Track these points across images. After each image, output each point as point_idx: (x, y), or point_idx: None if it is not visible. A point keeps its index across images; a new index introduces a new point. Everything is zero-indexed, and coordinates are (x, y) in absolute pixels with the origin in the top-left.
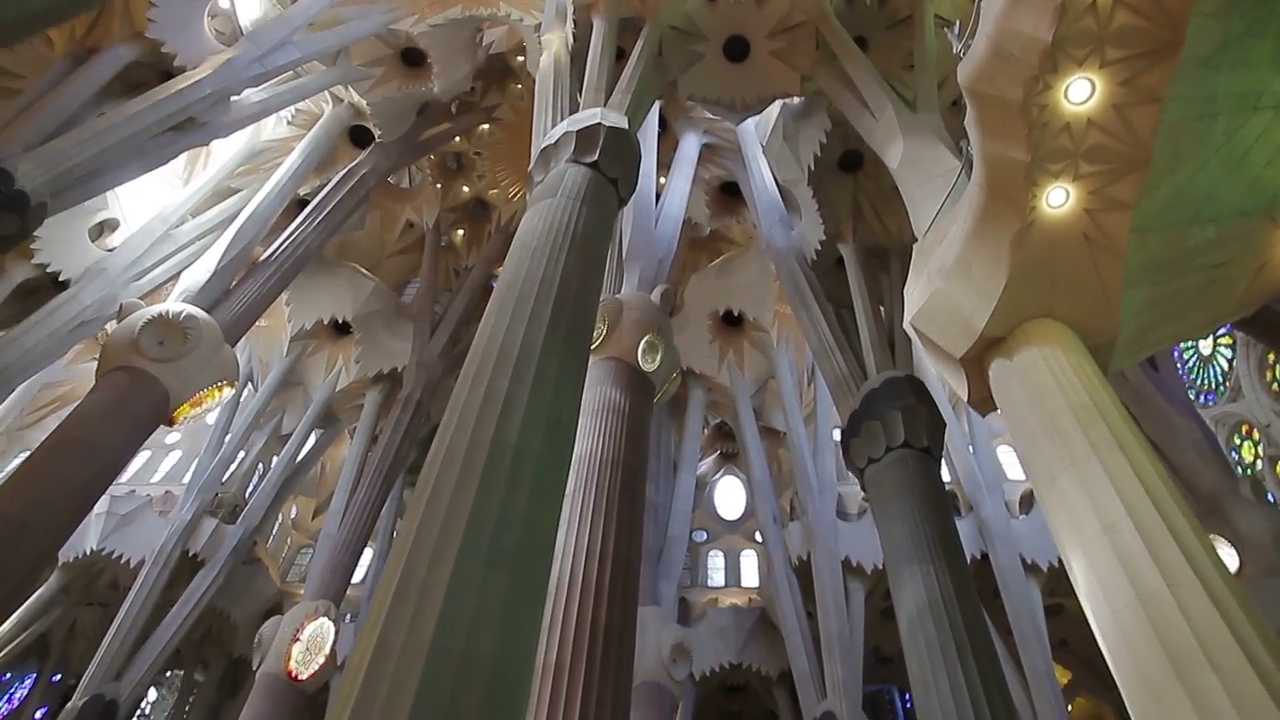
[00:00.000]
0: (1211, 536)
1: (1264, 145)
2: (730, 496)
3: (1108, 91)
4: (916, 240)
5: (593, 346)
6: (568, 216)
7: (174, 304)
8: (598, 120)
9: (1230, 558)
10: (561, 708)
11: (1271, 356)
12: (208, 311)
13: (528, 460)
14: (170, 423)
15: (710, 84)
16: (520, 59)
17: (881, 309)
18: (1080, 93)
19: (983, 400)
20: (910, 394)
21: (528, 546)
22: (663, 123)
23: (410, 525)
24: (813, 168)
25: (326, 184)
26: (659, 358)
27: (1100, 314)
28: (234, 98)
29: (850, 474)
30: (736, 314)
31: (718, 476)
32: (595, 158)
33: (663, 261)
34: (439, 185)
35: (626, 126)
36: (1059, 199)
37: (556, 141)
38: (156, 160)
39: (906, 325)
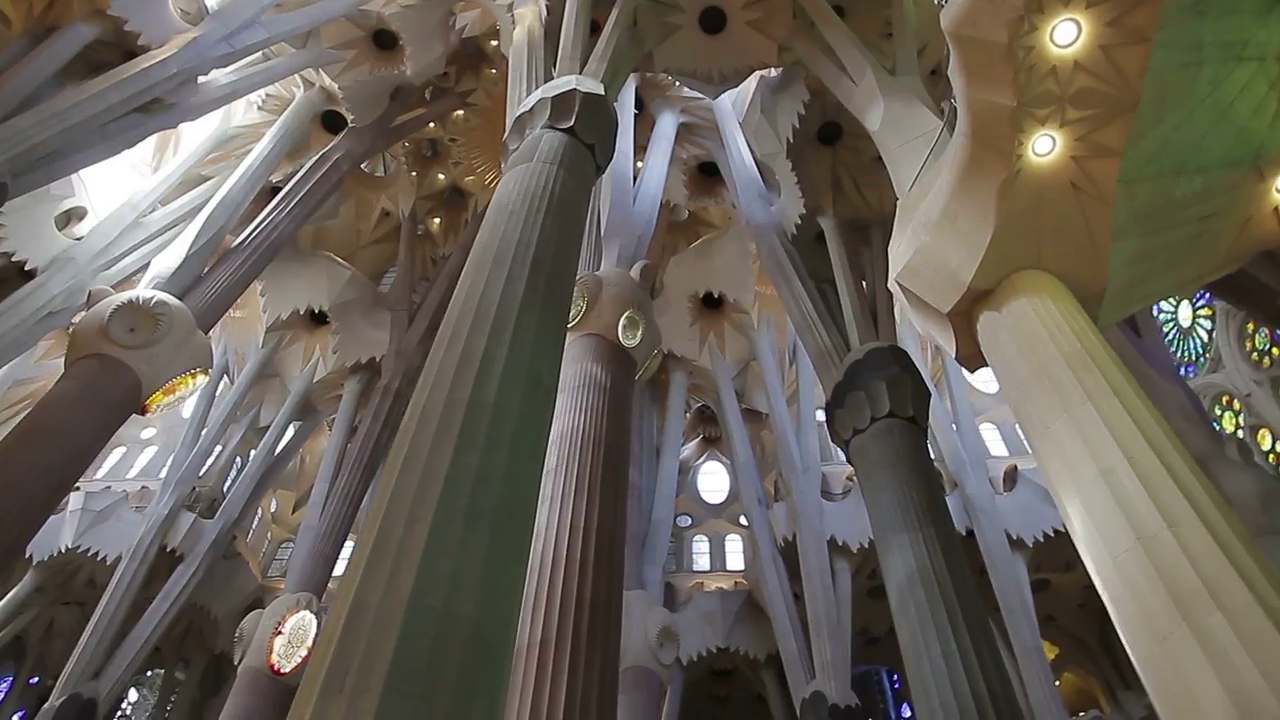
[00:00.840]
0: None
1: (1248, 96)
2: (713, 481)
3: (1094, 32)
4: (897, 212)
5: (572, 323)
6: (544, 180)
7: (144, 290)
8: (573, 86)
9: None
10: (548, 684)
11: (1251, 326)
12: (179, 298)
13: (507, 419)
14: (143, 411)
15: (686, 56)
16: (494, 43)
17: (864, 283)
18: (1066, 34)
19: (970, 356)
20: (894, 364)
21: (508, 505)
22: (639, 103)
23: (386, 484)
24: (791, 140)
25: (299, 170)
26: (640, 334)
27: (1089, 264)
28: (201, 79)
29: (834, 454)
30: (717, 296)
31: (700, 461)
32: (571, 123)
33: (641, 239)
34: (414, 173)
35: (603, 93)
36: (1045, 147)
37: (531, 108)
38: (122, 143)
39: (891, 283)
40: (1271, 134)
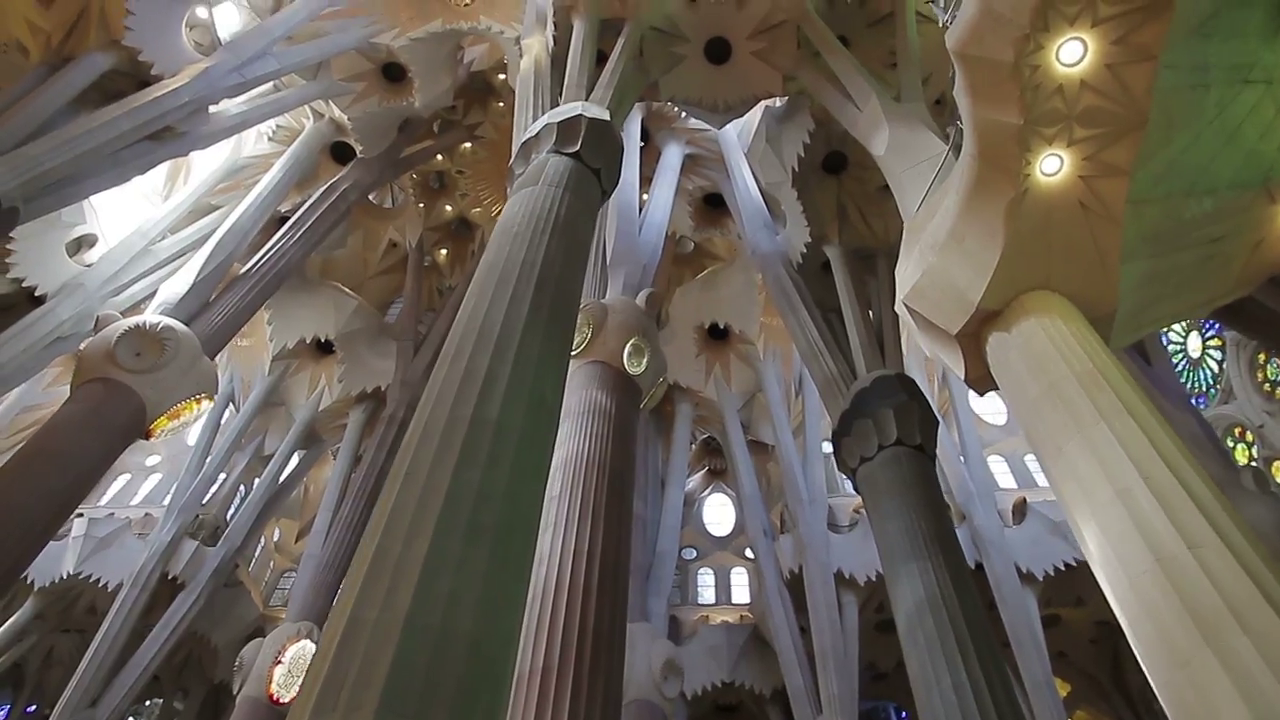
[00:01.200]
0: None
1: (1256, 119)
2: (719, 513)
3: (1100, 50)
4: (904, 234)
5: (577, 350)
6: (550, 203)
7: (151, 315)
8: (579, 112)
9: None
10: (549, 712)
11: (1263, 357)
12: (186, 324)
13: (509, 436)
14: (147, 436)
15: (692, 86)
16: (501, 77)
17: (870, 313)
18: (1072, 53)
19: (979, 379)
20: (901, 391)
21: (509, 522)
22: (645, 135)
23: (386, 500)
24: (796, 169)
25: (307, 200)
26: (645, 361)
27: (1098, 285)
28: (213, 108)
29: (841, 485)
30: (723, 327)
31: (706, 493)
32: (577, 148)
33: (647, 268)
34: (421, 205)
35: (608, 118)
36: (1053, 166)
37: (538, 134)
38: (133, 170)
39: (898, 304)
40: None
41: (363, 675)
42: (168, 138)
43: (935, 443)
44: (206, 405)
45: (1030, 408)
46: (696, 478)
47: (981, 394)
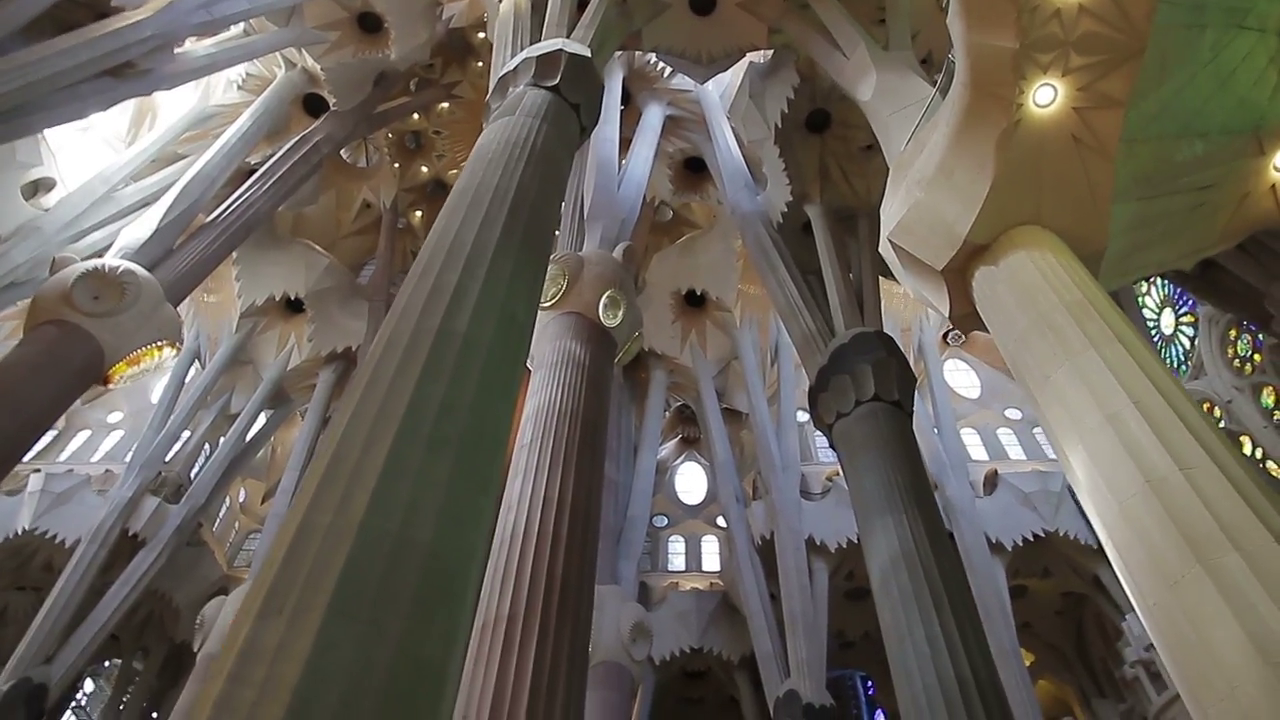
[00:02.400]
0: None
1: (1249, 66)
2: (691, 482)
3: None
4: (890, 172)
5: (552, 302)
6: (527, 132)
7: (111, 259)
8: (559, 47)
9: None
10: (515, 659)
11: (1234, 332)
12: (149, 270)
13: (477, 350)
14: (105, 381)
15: (675, 36)
16: (481, 35)
17: (850, 275)
18: None
19: (965, 316)
20: (880, 348)
21: (475, 435)
22: (626, 96)
23: (345, 411)
24: (779, 125)
25: (277, 153)
26: (621, 314)
27: (1089, 222)
28: (178, 49)
29: (814, 454)
30: (700, 293)
31: (679, 462)
32: (556, 81)
33: (625, 223)
34: (397, 165)
35: (589, 55)
36: (1046, 97)
37: (515, 68)
38: (93, 105)
39: (883, 242)
40: (1271, 106)
41: (313, 579)
42: (129, 74)
43: (913, 400)
44: (168, 353)
45: (1018, 339)
46: (669, 446)
47: (966, 333)
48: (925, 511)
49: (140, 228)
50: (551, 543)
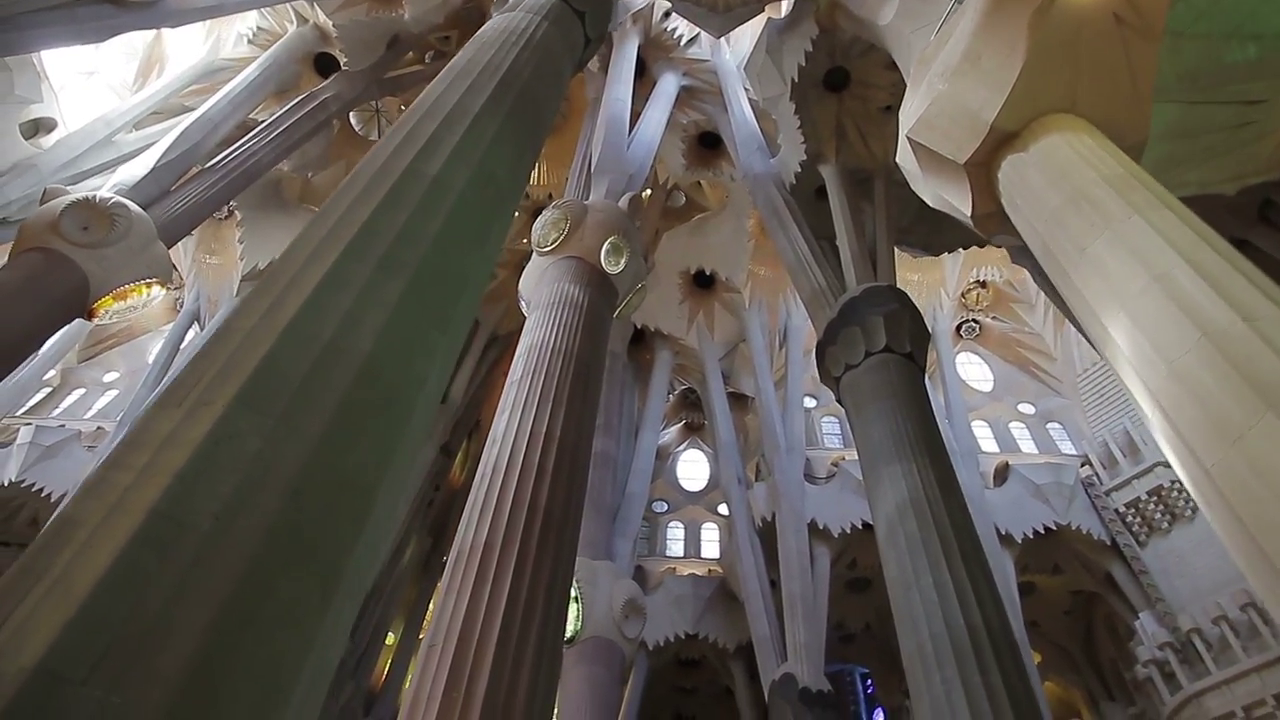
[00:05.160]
0: None
1: None
2: (693, 469)
3: None
4: (909, 81)
5: (552, 246)
6: (526, 24)
7: (104, 192)
8: None
9: None
10: (488, 587)
11: None
12: (143, 209)
13: (447, 192)
14: (90, 315)
15: None
16: None
17: (864, 237)
18: None
19: (988, 217)
20: (893, 300)
21: (437, 270)
22: (641, 66)
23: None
24: (796, 79)
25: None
26: (623, 261)
27: (1129, 113)
28: None
29: (820, 439)
30: (709, 274)
31: (681, 448)
32: None
33: (633, 178)
34: None
35: None
36: None
37: None
38: (90, 32)
39: (901, 143)
40: None
41: (222, 374)
42: (131, 4)
43: (926, 353)
44: (158, 291)
45: (1049, 218)
46: (672, 431)
47: (989, 235)
48: (936, 460)
49: (137, 166)
50: (536, 475)
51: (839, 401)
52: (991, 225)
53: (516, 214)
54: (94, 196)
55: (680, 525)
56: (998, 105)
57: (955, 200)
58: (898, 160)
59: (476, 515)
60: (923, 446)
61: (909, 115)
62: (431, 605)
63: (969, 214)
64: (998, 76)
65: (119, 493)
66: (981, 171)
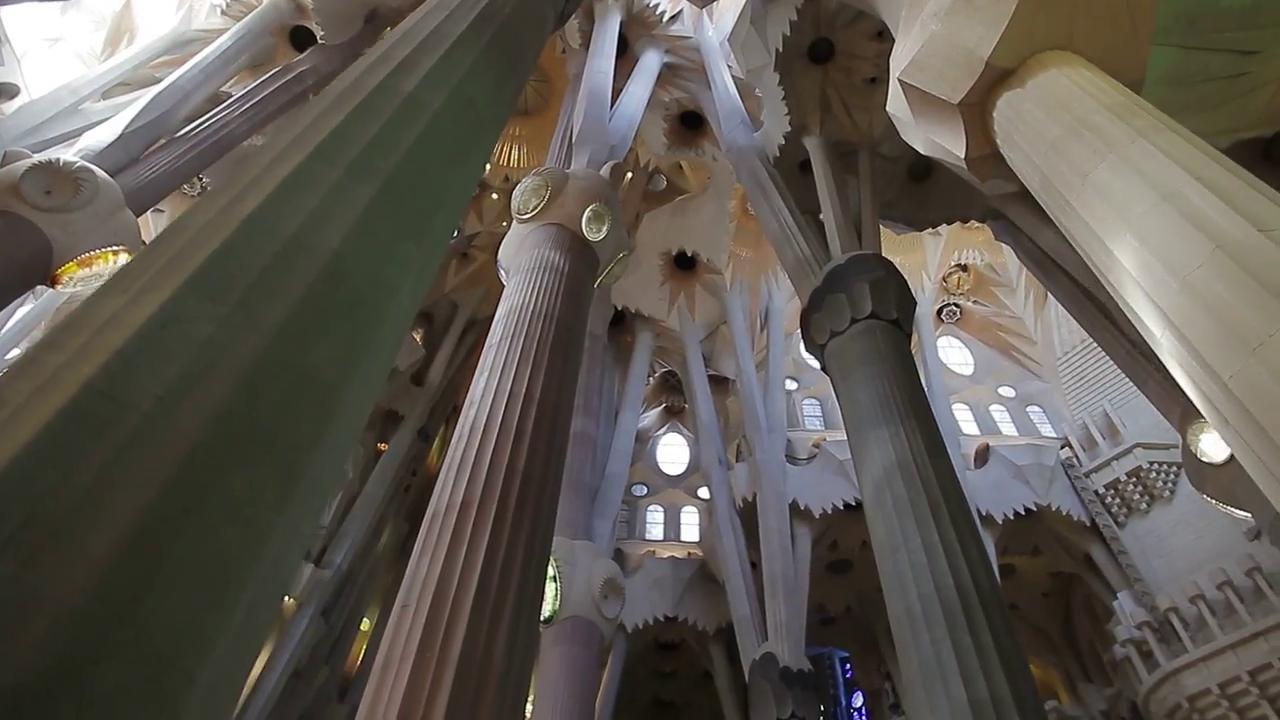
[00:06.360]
0: (1203, 421)
1: None
2: (673, 453)
3: None
4: (900, 24)
5: (533, 213)
6: None
7: (68, 155)
8: None
9: (1224, 443)
10: (465, 546)
11: None
12: (110, 176)
13: (423, 109)
14: (53, 282)
15: None
16: None
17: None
18: None
19: (981, 159)
20: (879, 268)
21: (412, 181)
22: (624, 43)
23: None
24: (780, 50)
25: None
26: (605, 229)
27: (1127, 49)
28: None
29: (801, 421)
30: (690, 255)
31: (661, 432)
32: None
33: (615, 149)
34: None
35: None
36: None
37: None
38: None
39: (891, 92)
40: None
41: (174, 262)
42: None
43: (912, 320)
44: (125, 259)
45: (1049, 148)
46: (652, 415)
47: (983, 179)
48: (923, 423)
49: (104, 131)
50: (515, 436)
51: (824, 369)
52: (985, 168)
53: (496, 196)
54: (58, 160)
55: (660, 509)
56: (993, 41)
57: (948, 143)
58: (888, 109)
59: (453, 476)
60: (910, 410)
61: (900, 59)
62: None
63: (962, 156)
64: (993, 13)
65: (51, 371)
66: (976, 112)
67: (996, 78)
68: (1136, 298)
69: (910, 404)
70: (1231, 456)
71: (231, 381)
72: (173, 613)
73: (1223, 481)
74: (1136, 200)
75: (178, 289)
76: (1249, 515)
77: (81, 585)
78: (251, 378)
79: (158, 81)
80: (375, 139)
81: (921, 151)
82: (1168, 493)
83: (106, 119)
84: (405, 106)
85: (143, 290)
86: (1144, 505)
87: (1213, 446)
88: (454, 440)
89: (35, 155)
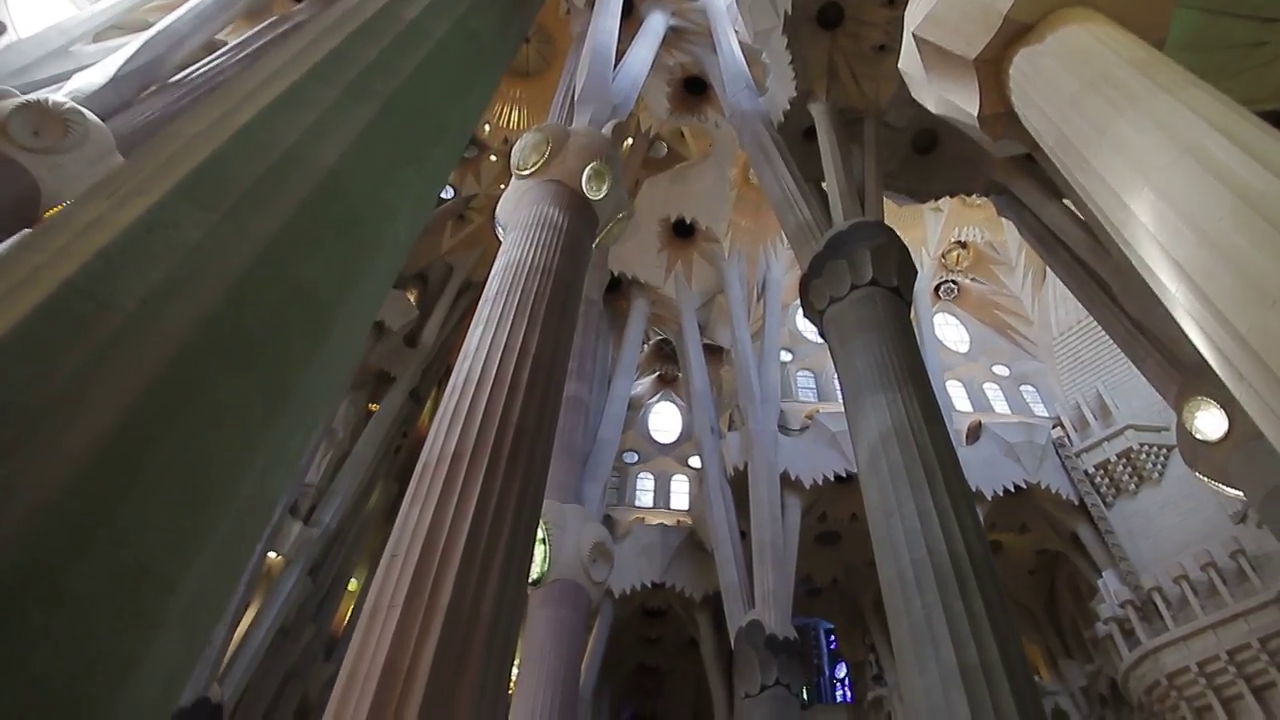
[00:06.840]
0: (1200, 399)
1: None
2: (665, 421)
3: None
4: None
5: (533, 169)
6: None
7: (58, 96)
8: None
9: (1220, 420)
10: (455, 496)
11: None
12: (101, 120)
13: (425, 38)
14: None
15: None
16: None
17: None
18: None
19: (995, 117)
20: (881, 235)
21: (413, 106)
22: (629, 6)
23: None
24: (789, 12)
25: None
26: (605, 188)
27: (1149, 10)
28: None
29: (795, 392)
30: (689, 223)
31: (654, 400)
32: None
33: (617, 109)
34: None
35: None
36: None
37: None
38: None
39: (906, 43)
40: None
41: (163, 168)
42: None
43: (912, 289)
44: None
45: (1067, 104)
46: (646, 383)
47: (995, 138)
48: (920, 391)
49: (95, 73)
50: (509, 389)
51: (822, 336)
52: (997, 128)
53: (494, 159)
54: (46, 100)
55: (650, 476)
56: None
57: (961, 101)
58: (900, 66)
59: (446, 427)
60: (908, 377)
61: (915, 14)
62: None
63: (975, 114)
64: None
65: (29, 269)
66: (991, 70)
67: (1015, 33)
68: (1152, 252)
69: (908, 371)
70: (1227, 434)
71: (220, 289)
72: (153, 517)
73: (1216, 459)
74: (1157, 154)
75: (165, 194)
76: (1240, 494)
77: (57, 482)
78: (241, 286)
79: (150, 26)
80: (375, 62)
81: (932, 110)
82: (1157, 474)
83: (98, 62)
84: (407, 32)
85: (129, 194)
86: (1133, 486)
87: (1208, 424)
88: (447, 392)
89: (23, 95)
